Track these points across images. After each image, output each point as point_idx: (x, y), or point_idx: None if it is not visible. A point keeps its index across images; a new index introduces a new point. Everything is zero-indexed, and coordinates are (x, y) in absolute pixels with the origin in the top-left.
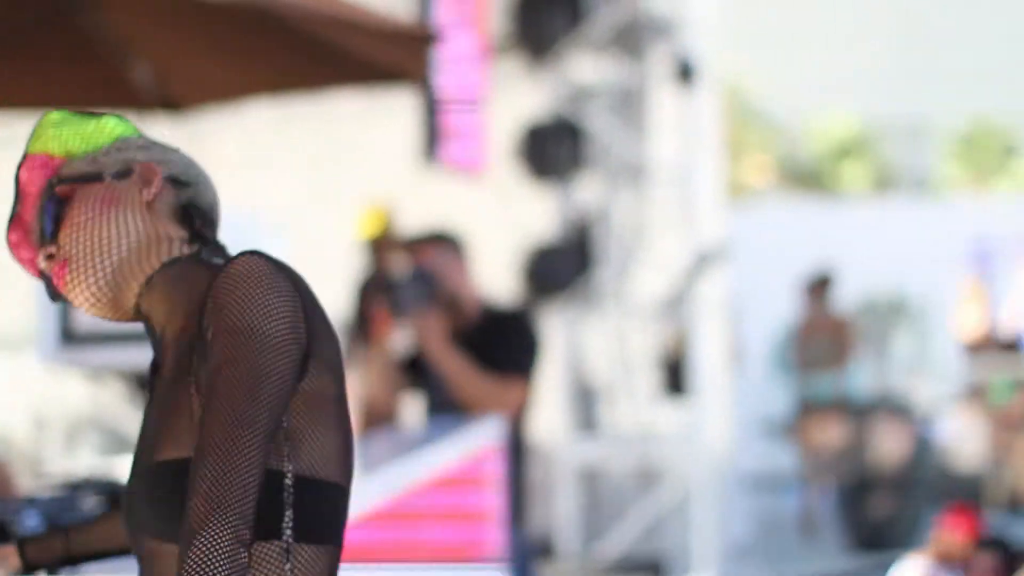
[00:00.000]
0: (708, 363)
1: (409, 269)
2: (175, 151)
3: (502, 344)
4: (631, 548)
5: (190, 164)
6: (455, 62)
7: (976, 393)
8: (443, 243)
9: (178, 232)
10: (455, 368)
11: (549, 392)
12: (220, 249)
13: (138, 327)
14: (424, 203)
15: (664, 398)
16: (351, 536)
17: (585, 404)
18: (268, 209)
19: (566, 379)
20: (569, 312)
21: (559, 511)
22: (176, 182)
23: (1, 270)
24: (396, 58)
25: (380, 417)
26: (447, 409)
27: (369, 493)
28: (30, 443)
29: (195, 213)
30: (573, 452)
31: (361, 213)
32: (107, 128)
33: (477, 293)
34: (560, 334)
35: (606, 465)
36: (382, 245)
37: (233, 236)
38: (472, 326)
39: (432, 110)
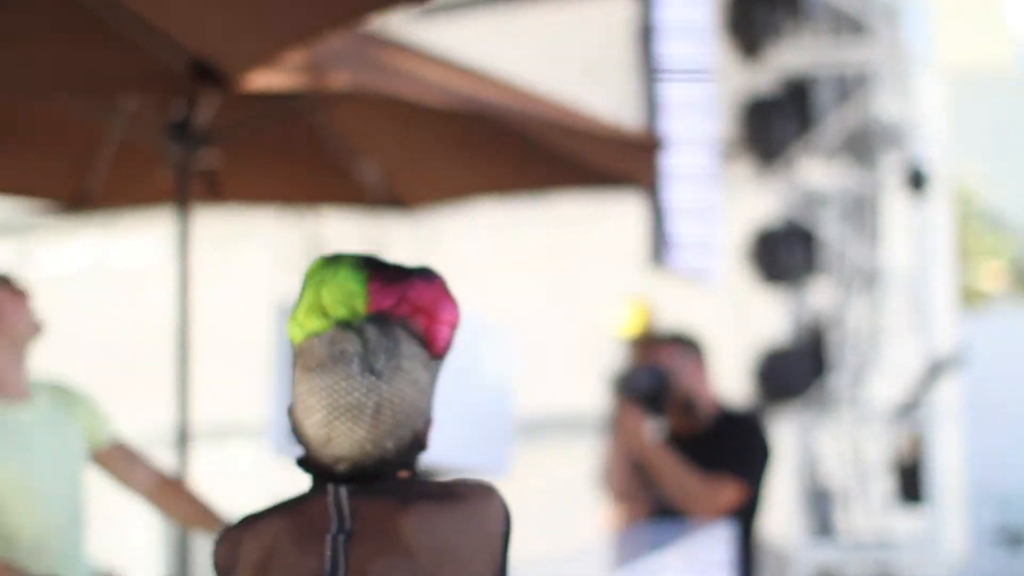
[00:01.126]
0: (944, 470)
1: (644, 366)
2: None
3: (724, 447)
4: None
5: None
6: (683, 168)
7: None
8: (682, 344)
9: None
10: (662, 467)
11: (783, 496)
12: None
13: None
14: (656, 305)
15: (900, 504)
16: None
17: (820, 508)
18: (501, 309)
19: (800, 483)
20: (803, 416)
21: None
22: None
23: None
24: (622, 164)
25: (626, 517)
26: (672, 512)
27: None
28: None
29: None
30: (809, 557)
31: (622, 309)
32: None
33: (714, 396)
34: (794, 438)
35: (842, 571)
36: (642, 342)
37: (462, 338)
38: (706, 428)
39: (659, 217)
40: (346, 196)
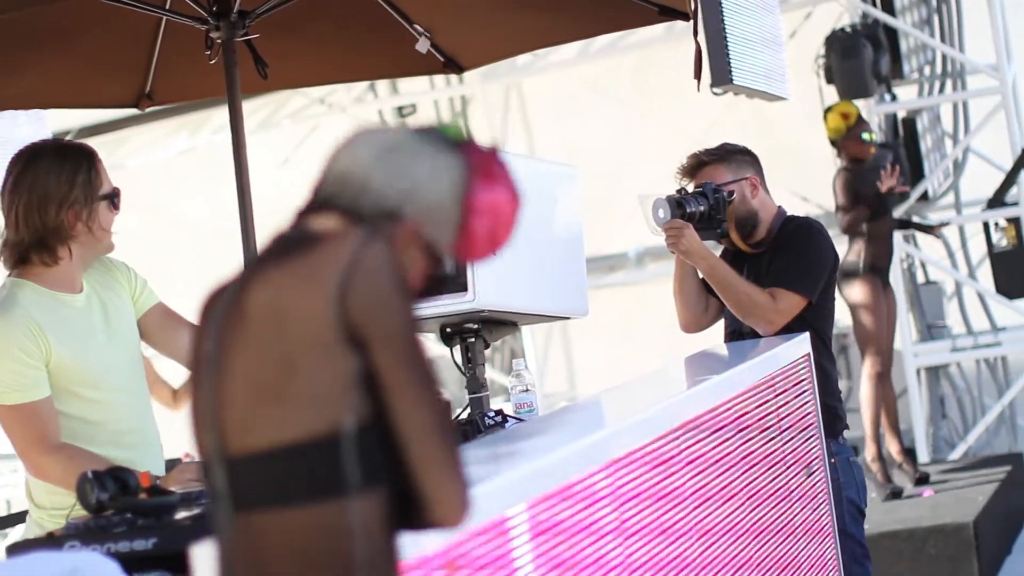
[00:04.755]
0: None
1: (697, 187)
2: None
3: (781, 257)
4: (986, 444)
5: None
6: None
7: None
8: (733, 158)
9: None
10: (720, 281)
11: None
12: None
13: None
14: (741, 127)
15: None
16: None
17: (929, 306)
18: (584, 153)
19: (905, 284)
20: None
21: (912, 413)
22: None
23: None
24: None
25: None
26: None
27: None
28: None
29: None
30: (919, 352)
31: (831, 112)
32: None
33: (773, 207)
34: (895, 241)
35: (950, 368)
36: (692, 162)
37: (533, 187)
38: (765, 241)
39: (715, 40)
40: (401, 66)
